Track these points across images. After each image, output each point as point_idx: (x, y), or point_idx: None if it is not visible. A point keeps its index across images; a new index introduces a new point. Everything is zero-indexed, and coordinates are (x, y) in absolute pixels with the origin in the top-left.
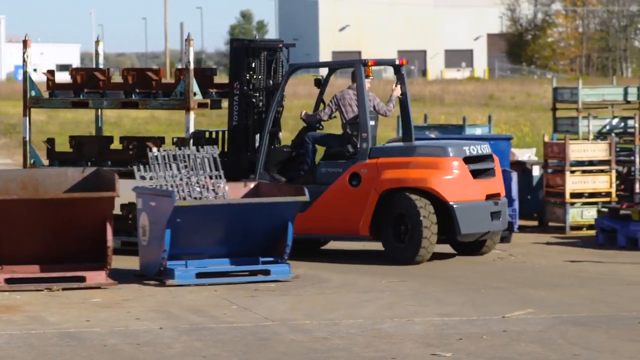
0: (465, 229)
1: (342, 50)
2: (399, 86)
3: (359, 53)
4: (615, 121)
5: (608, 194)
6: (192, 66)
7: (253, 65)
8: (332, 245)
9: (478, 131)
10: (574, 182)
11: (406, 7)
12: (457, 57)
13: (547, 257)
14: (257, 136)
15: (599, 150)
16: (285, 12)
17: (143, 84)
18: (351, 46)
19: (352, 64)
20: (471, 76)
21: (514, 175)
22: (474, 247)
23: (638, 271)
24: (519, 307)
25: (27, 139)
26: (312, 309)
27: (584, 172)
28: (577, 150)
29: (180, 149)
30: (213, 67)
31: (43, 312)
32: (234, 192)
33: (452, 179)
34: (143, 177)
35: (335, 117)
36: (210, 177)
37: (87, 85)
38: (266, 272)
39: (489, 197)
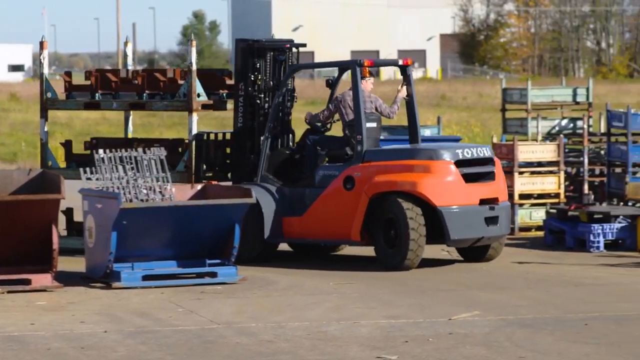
0: (455, 234)
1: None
2: (404, 87)
3: (312, 53)
4: (564, 122)
5: (557, 195)
6: (194, 67)
7: (258, 66)
8: (284, 247)
9: (427, 132)
10: (522, 184)
11: (359, 7)
12: (410, 58)
13: (495, 258)
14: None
15: (547, 152)
16: (238, 12)
17: (153, 85)
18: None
19: (347, 65)
20: (424, 76)
21: None
22: (478, 253)
23: (585, 272)
24: (466, 309)
25: (44, 140)
26: (258, 311)
27: (532, 173)
28: (526, 152)
29: (127, 150)
30: (223, 68)
31: None
32: (181, 194)
33: (441, 183)
34: (89, 179)
35: (338, 119)
36: (157, 179)
37: (102, 86)
38: (213, 275)
39: (483, 201)
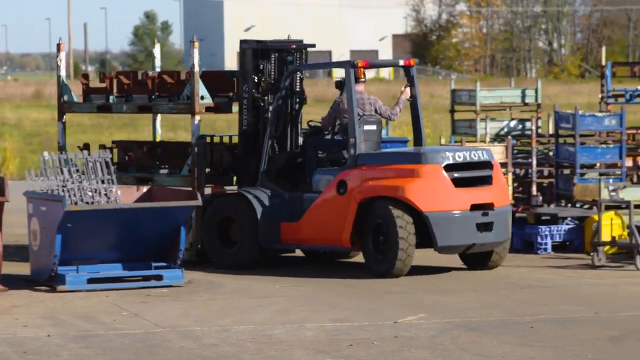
0: (443, 240)
1: None
2: (408, 88)
3: None
4: (513, 123)
5: None
6: (196, 69)
7: (262, 67)
8: None
9: None
10: None
11: (311, 7)
12: (363, 58)
13: (442, 261)
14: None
15: (495, 153)
16: (190, 13)
17: (163, 88)
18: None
19: (341, 65)
20: (376, 77)
21: None
22: (480, 260)
23: (532, 274)
24: (412, 312)
25: (62, 144)
26: (203, 314)
27: None
28: None
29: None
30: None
31: None
32: (126, 196)
33: (428, 188)
34: (34, 181)
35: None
36: (103, 182)
37: (118, 89)
38: (159, 278)
39: (476, 207)
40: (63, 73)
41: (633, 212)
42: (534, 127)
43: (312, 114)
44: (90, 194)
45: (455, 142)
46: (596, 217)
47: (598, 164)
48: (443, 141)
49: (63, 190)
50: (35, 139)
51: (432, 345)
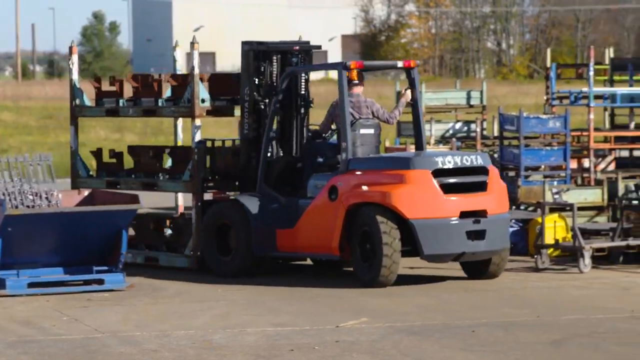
0: (429, 249)
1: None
2: (408, 91)
3: (214, 54)
4: (458, 125)
5: None
6: (196, 71)
7: (262, 70)
8: None
9: None
10: None
11: (260, 7)
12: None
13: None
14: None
15: None
16: (138, 13)
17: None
18: (206, 47)
19: (333, 67)
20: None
21: None
22: (479, 269)
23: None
24: (354, 316)
25: (74, 148)
26: (143, 319)
27: None
28: None
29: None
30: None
31: None
32: (68, 200)
33: (414, 194)
34: None
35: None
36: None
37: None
38: (100, 282)
39: (466, 214)
40: (75, 76)
41: (577, 215)
42: (478, 129)
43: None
44: (31, 197)
45: (400, 144)
46: (540, 220)
47: (542, 166)
48: (388, 144)
49: (3, 194)
50: None
51: (373, 350)
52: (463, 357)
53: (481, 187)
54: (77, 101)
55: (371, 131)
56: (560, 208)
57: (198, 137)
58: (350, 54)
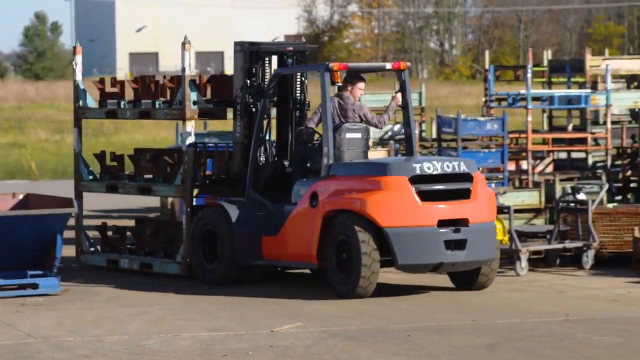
0: (404, 258)
1: (140, 51)
2: (399, 94)
3: (156, 54)
4: (396, 127)
5: None
6: (187, 72)
7: (254, 71)
8: None
9: None
10: None
11: (204, 7)
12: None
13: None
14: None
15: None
16: (81, 13)
17: (165, 93)
18: (149, 47)
19: (315, 69)
20: None
21: None
22: (467, 280)
23: (413, 282)
24: (289, 320)
25: (78, 150)
26: (77, 324)
27: None
28: None
29: None
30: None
31: None
32: (2, 203)
33: (389, 201)
34: None
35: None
36: None
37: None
38: (34, 286)
39: (445, 222)
40: (79, 77)
41: (513, 217)
42: (417, 132)
43: None
44: None
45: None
46: None
47: (480, 169)
48: None
49: None
50: None
51: (307, 354)
52: None
53: (464, 194)
54: (81, 102)
55: (358, 135)
56: (497, 211)
57: (190, 140)
58: None
